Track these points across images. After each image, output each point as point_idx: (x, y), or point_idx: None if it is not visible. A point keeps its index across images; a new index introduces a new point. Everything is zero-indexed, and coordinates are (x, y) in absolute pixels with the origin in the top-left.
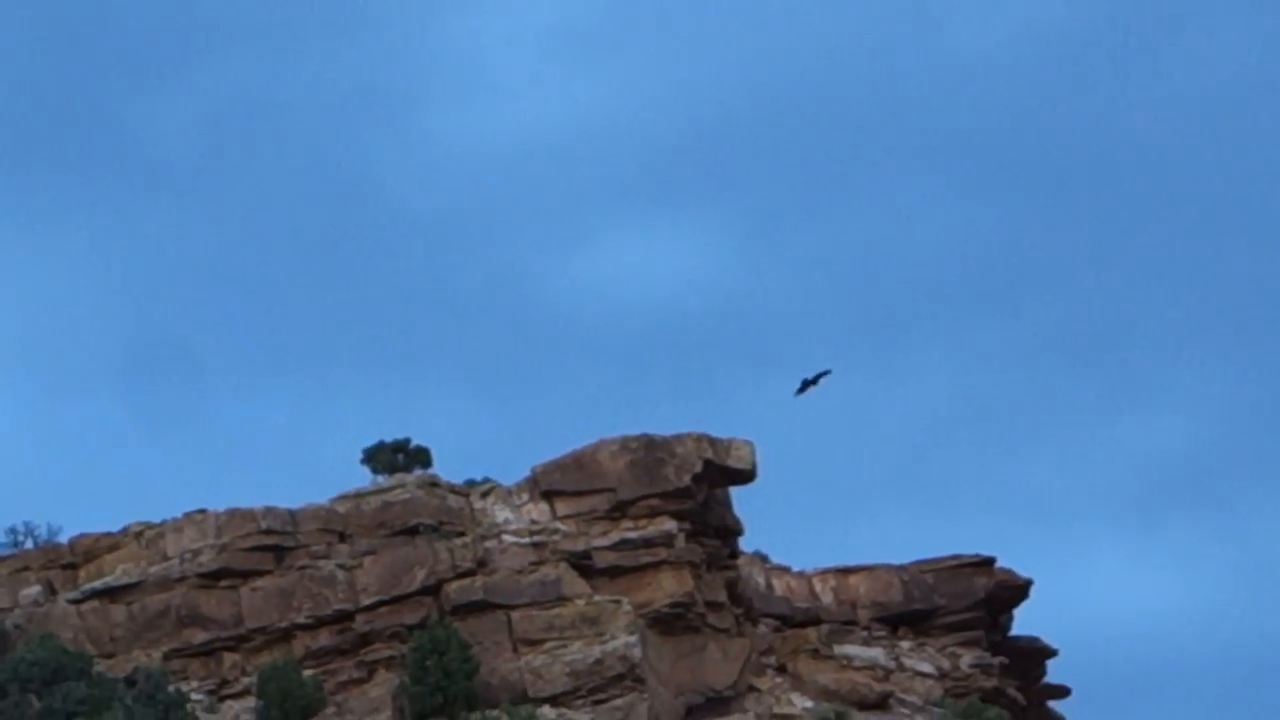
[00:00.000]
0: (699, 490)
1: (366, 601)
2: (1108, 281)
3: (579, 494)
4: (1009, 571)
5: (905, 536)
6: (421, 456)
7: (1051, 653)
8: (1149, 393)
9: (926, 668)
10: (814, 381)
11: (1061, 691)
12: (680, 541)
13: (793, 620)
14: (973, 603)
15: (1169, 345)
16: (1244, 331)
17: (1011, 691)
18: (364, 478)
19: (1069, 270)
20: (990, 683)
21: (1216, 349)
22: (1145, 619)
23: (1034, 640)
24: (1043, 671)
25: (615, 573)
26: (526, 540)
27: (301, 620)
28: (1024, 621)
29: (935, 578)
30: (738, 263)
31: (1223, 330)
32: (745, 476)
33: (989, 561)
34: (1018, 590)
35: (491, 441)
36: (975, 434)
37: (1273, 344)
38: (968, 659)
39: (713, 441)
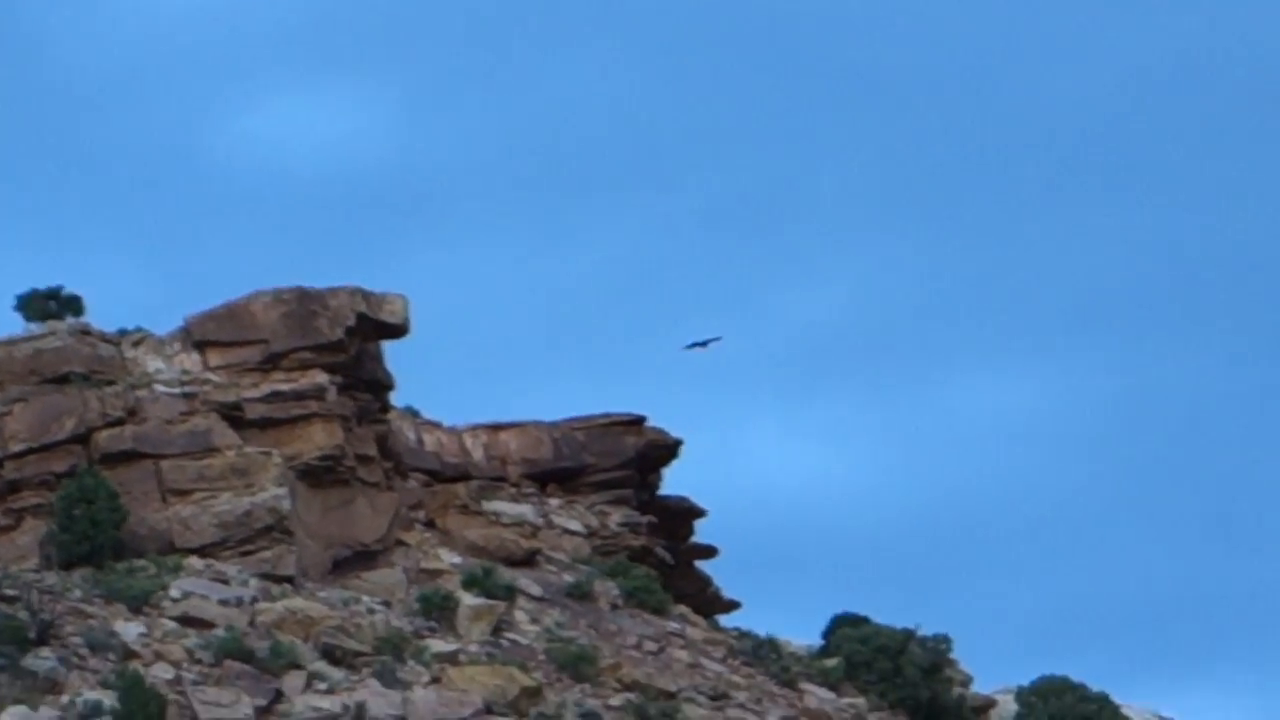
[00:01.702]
0: (351, 344)
1: (15, 449)
2: (770, 154)
3: (231, 345)
4: (660, 431)
5: (561, 398)
6: (74, 305)
7: (700, 513)
8: (808, 265)
9: (575, 525)
10: (704, 344)
11: (709, 552)
12: (331, 395)
13: (443, 476)
14: (622, 461)
15: (830, 218)
16: (902, 204)
17: (659, 550)
18: (16, 325)
19: (733, 142)
20: (638, 541)
21: (877, 222)
22: (796, 486)
23: (683, 500)
24: (691, 531)
25: (266, 424)
26: (177, 390)
27: None
28: (674, 482)
29: (586, 436)
30: (404, 125)
31: (882, 203)
32: (398, 331)
33: (639, 421)
34: (667, 450)
35: (149, 295)
36: (635, 301)
37: (932, 215)
38: (616, 517)
39: (366, 295)
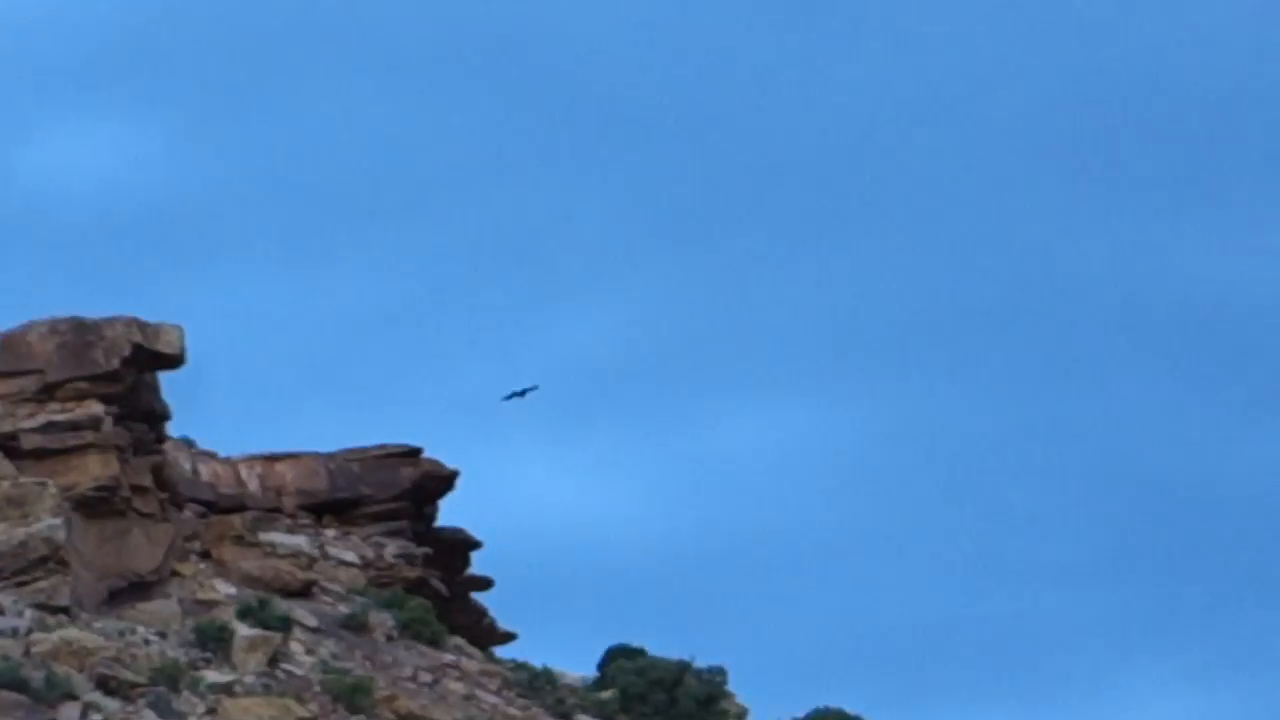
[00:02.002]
0: (127, 374)
1: None
2: (538, 184)
3: (8, 375)
4: (436, 462)
5: (337, 428)
6: None
7: (476, 544)
8: (579, 295)
9: (351, 556)
10: (521, 394)
11: (484, 583)
12: (107, 425)
13: (218, 506)
14: (398, 492)
15: (600, 249)
16: (674, 235)
17: (435, 582)
18: None
19: (501, 172)
20: (414, 573)
21: (648, 252)
22: (570, 517)
23: (458, 532)
24: (467, 563)
25: (42, 455)
26: None
27: None
28: (450, 514)
29: (361, 466)
30: (176, 157)
31: (654, 234)
32: (174, 361)
33: (416, 451)
34: (443, 481)
35: None
36: (403, 332)
37: (704, 246)
38: (392, 549)
39: (142, 326)
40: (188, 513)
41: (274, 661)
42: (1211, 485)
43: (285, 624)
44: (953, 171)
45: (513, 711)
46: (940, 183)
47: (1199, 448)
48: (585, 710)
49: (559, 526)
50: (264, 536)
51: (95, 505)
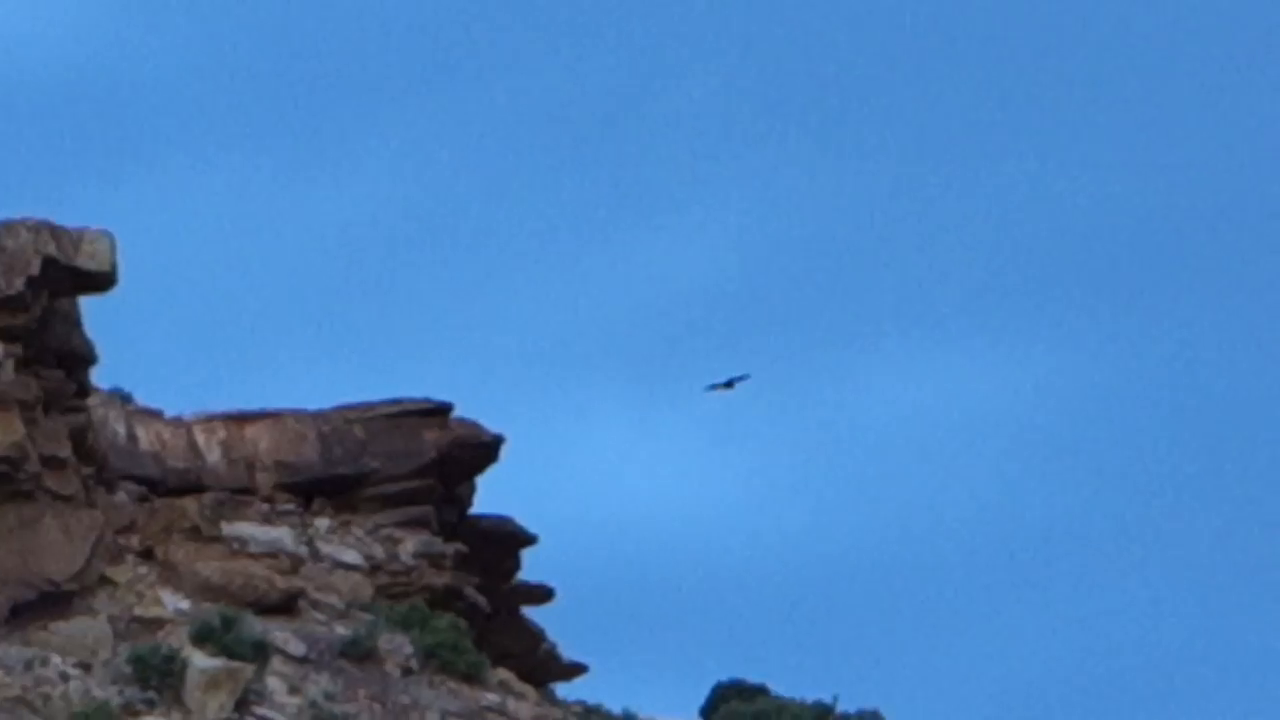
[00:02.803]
0: (36, 300)
1: None
2: (610, 50)
3: None
4: (471, 424)
5: (331, 379)
6: None
7: (529, 540)
8: (670, 205)
9: (352, 557)
10: (729, 384)
11: (542, 595)
12: (8, 371)
13: (165, 486)
14: (419, 466)
15: (700, 140)
16: (802, 119)
17: (470, 592)
18: None
19: (555, 38)
20: (442, 579)
21: (762, 146)
22: (661, 504)
23: (505, 522)
24: (517, 566)
25: None
26: None
27: None
28: (491, 497)
29: (366, 430)
30: (106, 19)
31: (774, 117)
32: (101, 282)
33: (443, 410)
34: (483, 450)
35: None
36: (428, 249)
37: (835, 136)
38: (411, 545)
39: (56, 232)
40: (122, 495)
41: (243, 704)
42: None
43: (259, 651)
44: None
45: None
46: (1136, 70)
47: None
48: None
49: (645, 519)
50: (229, 529)
51: None
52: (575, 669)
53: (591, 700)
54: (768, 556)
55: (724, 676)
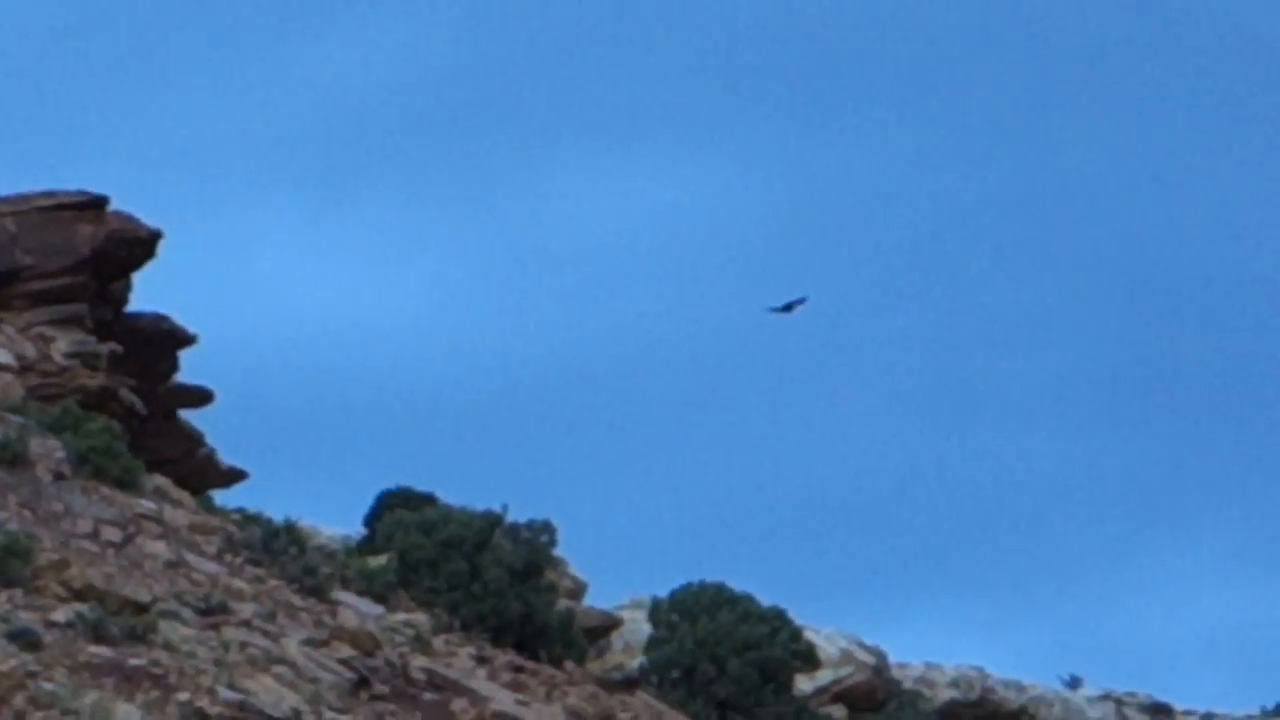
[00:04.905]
0: None
1: None
2: None
3: None
4: (128, 218)
5: None
6: None
7: (188, 340)
8: (347, 11)
9: (2, 356)
10: (788, 308)
11: (201, 397)
12: None
13: None
14: (73, 263)
15: None
16: None
17: (126, 394)
18: None
19: None
20: (96, 380)
21: None
22: (328, 309)
23: (161, 320)
24: (175, 367)
25: None
26: None
27: None
28: (148, 295)
29: (18, 224)
30: None
31: None
32: None
33: (99, 203)
34: (140, 246)
35: None
36: (90, 40)
37: None
38: (64, 344)
39: None
40: None
41: None
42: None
43: None
44: None
45: (239, 584)
46: None
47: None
48: (347, 584)
49: (316, 325)
50: None
51: None
52: (235, 475)
53: (252, 508)
54: (443, 368)
55: (389, 484)
